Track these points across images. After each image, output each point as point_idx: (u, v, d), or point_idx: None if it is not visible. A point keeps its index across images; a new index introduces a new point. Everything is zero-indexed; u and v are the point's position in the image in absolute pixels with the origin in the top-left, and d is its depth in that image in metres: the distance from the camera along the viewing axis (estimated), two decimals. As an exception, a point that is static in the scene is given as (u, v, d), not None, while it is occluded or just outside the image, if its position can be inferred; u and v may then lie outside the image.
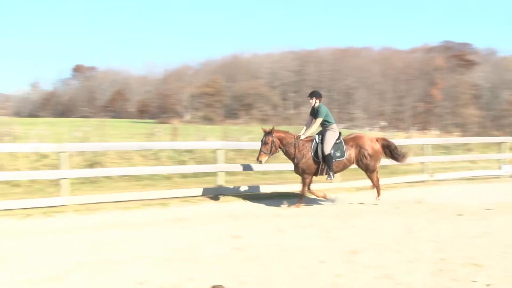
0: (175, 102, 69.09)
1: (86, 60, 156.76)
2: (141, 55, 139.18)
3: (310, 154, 9.82)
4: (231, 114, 61.23)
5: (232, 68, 73.58)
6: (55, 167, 10.30)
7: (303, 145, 9.91)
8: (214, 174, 11.00)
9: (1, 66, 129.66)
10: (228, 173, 11.51)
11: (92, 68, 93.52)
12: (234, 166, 11.71)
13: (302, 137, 9.92)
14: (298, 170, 9.94)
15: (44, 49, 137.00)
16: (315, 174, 9.95)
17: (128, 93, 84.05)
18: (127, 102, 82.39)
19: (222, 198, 10.37)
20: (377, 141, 10.21)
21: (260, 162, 9.80)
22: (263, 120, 48.71)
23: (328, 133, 9.83)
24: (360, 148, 9.95)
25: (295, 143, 9.87)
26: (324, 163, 9.74)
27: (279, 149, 9.91)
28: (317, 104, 10.00)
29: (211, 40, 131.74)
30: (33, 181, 11.09)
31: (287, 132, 10.08)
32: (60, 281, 5.12)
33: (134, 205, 9.44)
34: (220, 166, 10.88)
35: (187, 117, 63.24)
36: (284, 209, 9.59)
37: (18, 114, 70.68)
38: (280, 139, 9.88)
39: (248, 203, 10.17)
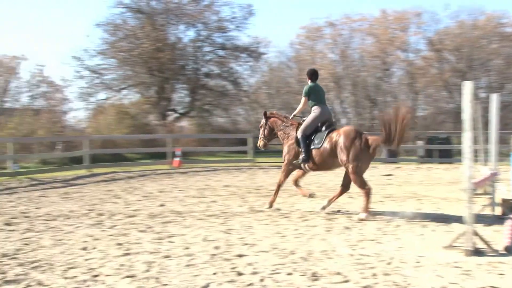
0: None
1: None
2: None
3: (294, 136, 8.82)
4: None
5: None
6: None
7: (291, 127, 9.03)
8: None
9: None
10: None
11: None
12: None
13: (290, 117, 9.18)
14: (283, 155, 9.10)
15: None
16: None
17: None
18: None
19: None
20: (362, 137, 8.07)
21: (259, 146, 9.52)
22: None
23: (309, 116, 8.72)
24: (339, 137, 8.14)
25: (284, 125, 9.13)
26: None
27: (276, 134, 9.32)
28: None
29: None
30: None
31: (283, 116, 9.32)
32: None
33: None
34: None
35: None
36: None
37: None
38: (273, 123, 9.27)
39: None
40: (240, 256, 5.70)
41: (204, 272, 5.09)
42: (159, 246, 6.22)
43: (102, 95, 30.03)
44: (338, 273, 4.99)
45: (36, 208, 9.56)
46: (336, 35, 34.76)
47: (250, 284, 4.70)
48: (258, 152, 20.69)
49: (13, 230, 7.39)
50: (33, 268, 5.34)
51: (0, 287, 4.71)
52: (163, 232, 7.04)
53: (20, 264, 5.48)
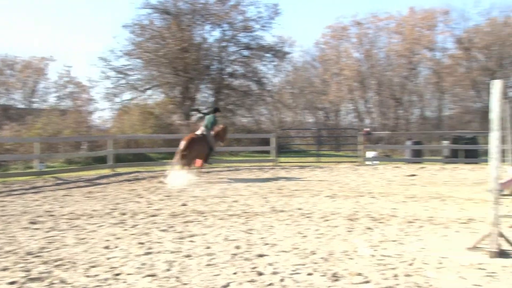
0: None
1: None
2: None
3: None
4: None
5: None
6: None
7: None
8: None
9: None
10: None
11: None
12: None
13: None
14: None
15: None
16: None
17: None
18: None
19: None
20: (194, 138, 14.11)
21: None
22: None
23: None
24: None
25: None
26: None
27: None
28: None
29: None
30: None
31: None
32: None
33: None
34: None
35: None
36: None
37: None
38: None
39: None
40: (260, 256, 5.69)
41: (225, 271, 5.09)
42: (180, 246, 6.24)
43: (127, 96, 30.32)
44: (359, 274, 4.95)
45: (61, 207, 9.69)
46: (362, 34, 34.60)
47: (270, 284, 4.68)
48: (281, 152, 20.67)
49: (37, 229, 7.50)
50: (56, 266, 5.40)
51: (23, 285, 4.76)
52: (185, 232, 7.07)
53: (44, 262, 5.55)
